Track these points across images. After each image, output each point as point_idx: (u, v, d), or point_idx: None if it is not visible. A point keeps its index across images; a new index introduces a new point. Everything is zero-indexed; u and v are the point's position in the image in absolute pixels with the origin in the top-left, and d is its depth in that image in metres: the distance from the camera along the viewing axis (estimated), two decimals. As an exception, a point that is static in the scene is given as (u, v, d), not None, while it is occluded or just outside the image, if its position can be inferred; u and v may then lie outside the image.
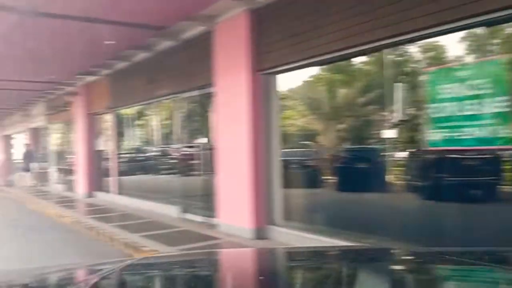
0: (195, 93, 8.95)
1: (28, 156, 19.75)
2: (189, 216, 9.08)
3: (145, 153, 12.32)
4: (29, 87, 14.84)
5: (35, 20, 7.18)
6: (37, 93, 16.53)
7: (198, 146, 8.91)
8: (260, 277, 1.62)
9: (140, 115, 12.37)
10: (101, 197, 13.37)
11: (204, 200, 8.66)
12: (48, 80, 13.32)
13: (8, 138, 26.38)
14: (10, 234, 9.38)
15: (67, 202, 13.14)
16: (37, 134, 20.57)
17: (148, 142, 12.42)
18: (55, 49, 9.22)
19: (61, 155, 17.99)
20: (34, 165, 19.76)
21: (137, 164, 12.54)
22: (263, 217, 6.99)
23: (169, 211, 9.68)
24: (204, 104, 8.84)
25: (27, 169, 19.80)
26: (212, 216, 8.18)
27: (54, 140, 19.00)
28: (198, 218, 8.74)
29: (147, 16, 7.60)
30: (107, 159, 13.66)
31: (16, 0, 6.57)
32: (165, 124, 11.07)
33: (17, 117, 22.43)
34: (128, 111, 12.59)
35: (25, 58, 10.24)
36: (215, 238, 7.30)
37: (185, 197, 9.40)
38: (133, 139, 12.77)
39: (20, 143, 25.08)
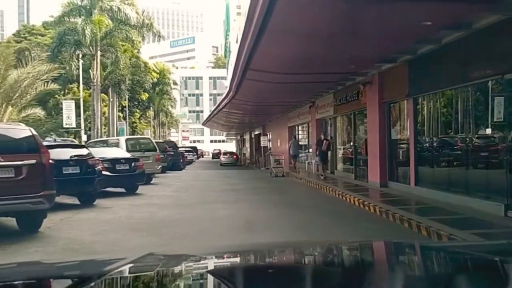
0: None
1: (295, 146, 23.62)
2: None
3: (448, 142, 11.37)
4: (320, 79, 15.62)
5: (364, 8, 7.14)
6: (327, 85, 17.31)
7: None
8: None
9: (443, 101, 11.45)
10: (395, 187, 13.03)
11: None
12: (344, 71, 13.67)
13: (292, 129, 28.82)
14: (324, 221, 9.86)
15: (362, 191, 13.26)
16: (322, 125, 21.66)
17: (450, 130, 11.42)
18: (367, 39, 9.21)
19: (348, 144, 18.50)
20: (301, 154, 24.35)
21: (437, 154, 11.69)
22: None
23: (484, 207, 8.63)
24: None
25: (295, 157, 23.54)
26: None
27: (340, 129, 19.69)
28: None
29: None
30: (402, 148, 13.28)
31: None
32: (477, 109, 9.92)
33: (303, 109, 24.14)
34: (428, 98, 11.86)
35: (333, 51, 10.61)
36: None
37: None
38: (433, 127, 11.93)
39: (302, 134, 27.20)
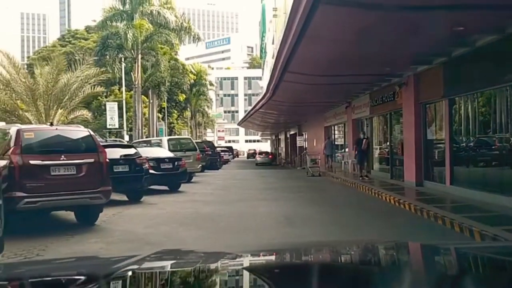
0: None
1: (330, 146, 25.04)
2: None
3: (484, 143, 11.55)
4: (356, 80, 15.97)
5: (394, 15, 7.55)
6: (363, 86, 17.63)
7: None
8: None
9: (479, 102, 11.65)
10: (431, 187, 13.28)
11: None
12: (380, 73, 14.01)
13: (328, 129, 29.12)
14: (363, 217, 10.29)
15: (398, 190, 13.54)
16: (358, 125, 21.93)
17: (487, 130, 11.60)
18: (401, 43, 9.58)
19: (384, 144, 18.74)
20: (337, 154, 25.47)
21: (472, 154, 11.89)
22: None
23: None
24: None
25: (330, 157, 24.84)
26: None
27: (376, 129, 19.93)
28: None
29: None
30: (437, 148, 13.51)
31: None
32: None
33: (339, 109, 24.44)
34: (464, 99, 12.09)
35: (368, 55, 11.01)
36: None
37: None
38: (469, 127, 12.13)
39: (338, 134, 27.51)
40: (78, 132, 9.12)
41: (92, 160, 8.58)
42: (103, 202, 8.83)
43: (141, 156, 12.97)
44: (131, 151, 13.18)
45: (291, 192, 15.49)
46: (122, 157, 12.34)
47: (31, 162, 8.01)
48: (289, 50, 11.24)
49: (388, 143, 17.94)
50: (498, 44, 9.37)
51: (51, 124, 9.44)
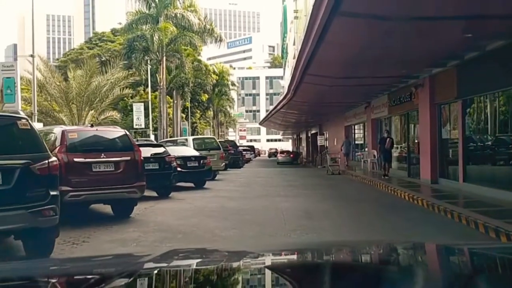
0: None
1: (347, 145, 26.61)
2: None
3: (497, 141, 12.05)
4: (374, 82, 16.58)
5: (406, 24, 8.21)
6: (381, 87, 18.20)
7: None
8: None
9: (492, 102, 12.16)
10: (445, 184, 13.84)
11: None
12: (397, 74, 14.61)
13: (348, 128, 29.66)
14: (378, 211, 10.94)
15: (413, 187, 14.11)
16: (377, 124, 22.49)
17: (498, 130, 12.11)
18: (414, 47, 10.21)
19: (402, 143, 19.27)
20: (357, 153, 26.88)
21: (484, 153, 12.42)
22: None
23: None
24: None
25: (347, 155, 26.27)
26: None
27: (395, 129, 20.45)
28: None
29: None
30: (451, 147, 14.04)
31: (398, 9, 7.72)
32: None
33: (358, 109, 24.99)
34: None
35: (384, 58, 11.65)
36: None
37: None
38: (481, 127, 12.67)
39: (358, 133, 28.07)
40: (116, 132, 10.01)
41: (128, 158, 9.44)
42: (138, 196, 9.68)
43: (169, 155, 13.84)
44: (161, 150, 14.05)
45: (311, 189, 16.17)
46: (152, 156, 13.21)
47: (75, 159, 8.90)
48: (308, 55, 11.96)
49: (405, 143, 18.48)
50: (506, 48, 9.93)
51: (92, 125, 10.34)
